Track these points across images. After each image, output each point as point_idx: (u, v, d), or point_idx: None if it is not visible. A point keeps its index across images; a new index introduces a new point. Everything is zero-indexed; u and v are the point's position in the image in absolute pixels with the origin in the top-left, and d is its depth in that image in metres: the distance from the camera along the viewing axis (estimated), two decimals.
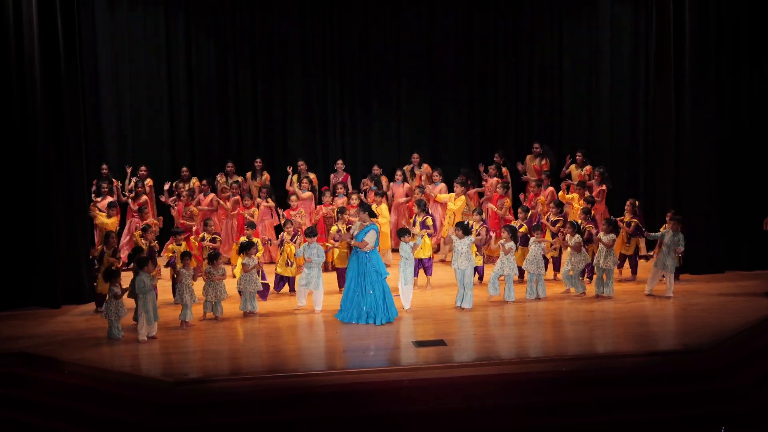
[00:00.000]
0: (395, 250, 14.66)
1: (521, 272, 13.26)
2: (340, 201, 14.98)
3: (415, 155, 16.43)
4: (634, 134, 17.54)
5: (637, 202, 13.81)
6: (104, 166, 15.46)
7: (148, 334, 11.13)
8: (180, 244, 12.72)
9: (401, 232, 12.25)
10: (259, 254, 12.59)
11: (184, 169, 16.01)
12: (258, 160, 16.30)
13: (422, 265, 13.34)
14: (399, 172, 15.95)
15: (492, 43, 17.93)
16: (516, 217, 14.11)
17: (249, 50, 17.39)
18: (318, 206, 15.12)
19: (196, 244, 13.55)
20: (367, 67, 17.70)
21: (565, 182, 15.62)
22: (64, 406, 9.79)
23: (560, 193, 15.27)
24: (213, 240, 13.25)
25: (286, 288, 13.36)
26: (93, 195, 14.73)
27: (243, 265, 12.23)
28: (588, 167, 15.94)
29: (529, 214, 13.84)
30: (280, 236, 13.45)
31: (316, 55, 17.54)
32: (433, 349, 10.50)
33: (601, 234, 12.79)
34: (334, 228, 13.28)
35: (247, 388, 9.59)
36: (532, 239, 12.95)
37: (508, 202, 14.91)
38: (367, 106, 17.78)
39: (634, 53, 17.45)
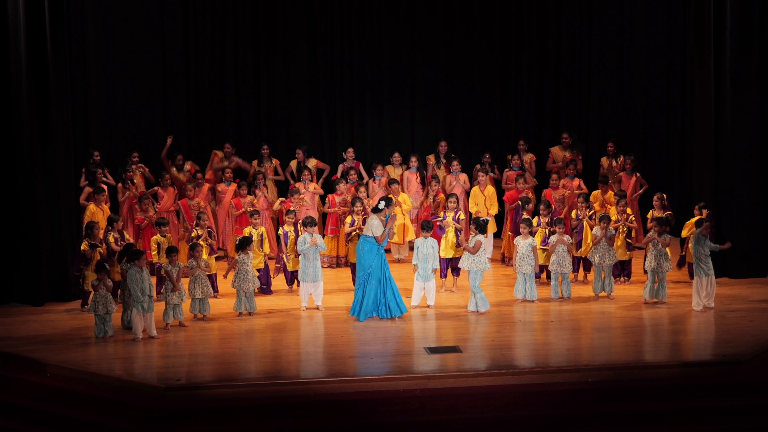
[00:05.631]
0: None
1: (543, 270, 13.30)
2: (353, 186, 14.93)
3: (443, 143, 16.14)
4: (669, 121, 17.32)
5: (665, 195, 13.64)
6: (96, 153, 15.27)
7: (149, 333, 11.12)
8: (165, 236, 12.68)
9: (425, 225, 12.38)
10: (266, 249, 12.85)
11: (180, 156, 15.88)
12: (265, 146, 16.13)
13: (450, 265, 13.25)
14: (414, 158, 15.76)
15: (515, 21, 17.74)
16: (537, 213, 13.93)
17: (251, 26, 17.24)
18: (329, 195, 14.94)
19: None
20: (378, 47, 17.53)
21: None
22: (47, 410, 9.72)
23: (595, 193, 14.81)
24: (209, 235, 13.08)
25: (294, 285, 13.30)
26: (86, 185, 14.53)
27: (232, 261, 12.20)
28: (622, 158, 15.69)
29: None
30: (281, 228, 13.41)
31: (323, 29, 17.38)
32: (447, 356, 10.43)
33: (653, 233, 12.56)
34: (348, 219, 13.15)
35: (243, 395, 9.55)
36: (553, 236, 12.78)
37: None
38: (378, 89, 17.61)
39: (668, 32, 17.20)
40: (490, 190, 14.96)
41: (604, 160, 15.94)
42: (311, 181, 15.27)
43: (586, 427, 9.36)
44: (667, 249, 12.58)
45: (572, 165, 15.28)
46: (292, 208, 13.69)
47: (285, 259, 13.06)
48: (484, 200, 14.79)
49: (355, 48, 17.48)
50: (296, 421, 9.30)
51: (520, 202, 13.70)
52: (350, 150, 16.27)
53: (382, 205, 12.02)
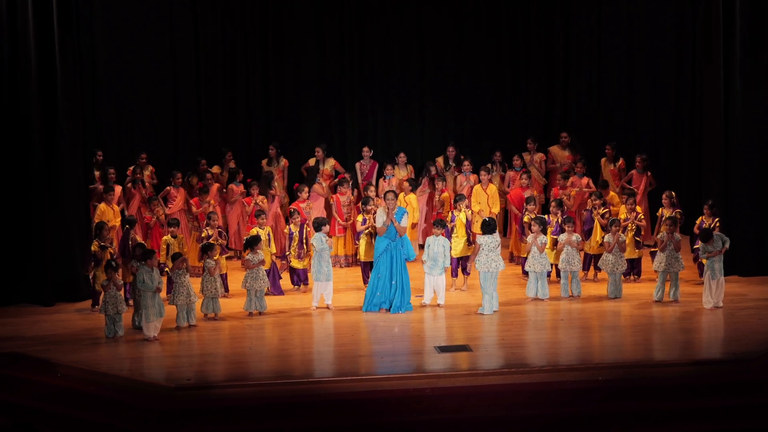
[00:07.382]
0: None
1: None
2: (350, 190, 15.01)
3: (451, 147, 16.18)
4: (678, 120, 17.31)
5: (674, 194, 13.65)
6: (99, 153, 15.35)
7: (154, 333, 11.17)
8: (176, 236, 12.72)
9: (437, 223, 12.45)
10: (273, 249, 12.93)
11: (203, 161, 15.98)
12: (272, 147, 16.21)
13: (460, 264, 13.31)
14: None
15: (522, 20, 17.80)
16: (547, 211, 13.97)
17: (259, 26, 17.33)
18: (333, 195, 15.01)
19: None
20: (387, 48, 17.59)
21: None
22: (57, 411, 9.76)
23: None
24: (220, 235, 13.15)
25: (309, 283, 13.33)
26: (98, 184, 14.62)
27: (246, 261, 12.22)
28: (621, 161, 15.70)
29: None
30: (287, 227, 13.54)
31: (331, 30, 17.46)
32: (457, 355, 10.47)
33: (662, 233, 12.58)
34: (359, 218, 13.21)
35: (253, 394, 9.60)
36: (562, 234, 12.81)
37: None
38: (388, 89, 17.68)
39: (678, 30, 17.18)
40: (492, 188, 14.99)
41: (604, 162, 15.98)
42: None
43: (588, 427, 9.38)
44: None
45: (581, 163, 15.33)
46: (294, 208, 13.82)
47: (288, 258, 13.20)
48: (486, 199, 14.81)
49: (364, 48, 17.57)
50: (297, 421, 9.33)
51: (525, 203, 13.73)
52: (365, 149, 16.35)
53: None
